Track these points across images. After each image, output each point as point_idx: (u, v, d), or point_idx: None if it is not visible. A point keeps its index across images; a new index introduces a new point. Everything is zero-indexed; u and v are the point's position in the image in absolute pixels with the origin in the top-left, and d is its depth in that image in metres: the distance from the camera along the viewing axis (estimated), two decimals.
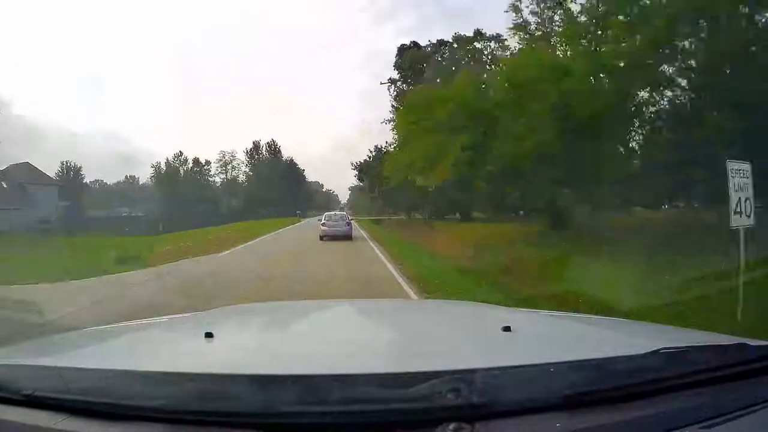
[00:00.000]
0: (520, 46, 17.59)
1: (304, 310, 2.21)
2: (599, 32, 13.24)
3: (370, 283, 8.61)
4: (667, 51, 11.95)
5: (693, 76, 12.56)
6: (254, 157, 69.72)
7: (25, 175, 38.43)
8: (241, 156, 69.93)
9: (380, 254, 14.05)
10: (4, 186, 35.28)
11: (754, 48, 11.12)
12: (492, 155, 12.35)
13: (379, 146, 37.06)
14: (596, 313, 3.13)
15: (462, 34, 29.43)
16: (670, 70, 12.67)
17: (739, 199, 4.63)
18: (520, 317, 1.83)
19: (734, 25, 11.26)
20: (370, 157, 38.88)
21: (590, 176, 12.11)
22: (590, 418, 0.87)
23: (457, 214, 30.23)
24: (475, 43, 27.79)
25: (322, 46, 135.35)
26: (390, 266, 11.02)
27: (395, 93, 32.57)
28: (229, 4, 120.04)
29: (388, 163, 18.34)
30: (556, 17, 16.85)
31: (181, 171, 65.79)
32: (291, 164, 69.59)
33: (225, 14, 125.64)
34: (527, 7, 17.45)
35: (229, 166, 69.10)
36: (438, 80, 22.44)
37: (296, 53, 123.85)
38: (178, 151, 66.97)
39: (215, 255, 14.32)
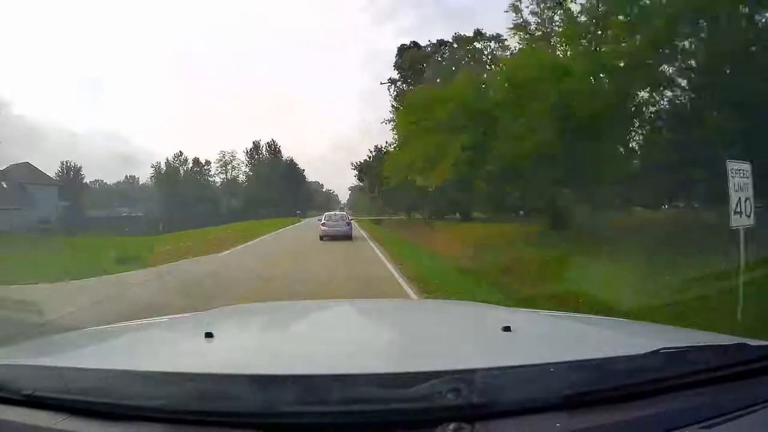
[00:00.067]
0: (520, 46, 17.62)
1: (304, 310, 2.21)
2: (599, 32, 13.23)
3: (370, 283, 8.61)
4: (667, 51, 11.94)
5: (693, 76, 12.56)
6: (254, 157, 69.80)
7: (25, 175, 38.44)
8: (241, 156, 70.14)
9: (380, 254, 14.05)
10: (4, 186, 35.28)
11: (754, 48, 11.12)
12: (492, 155, 12.35)
13: (379, 146, 37.15)
14: (596, 313, 3.12)
15: (462, 34, 29.52)
16: (670, 70, 12.69)
17: (739, 199, 4.63)
18: (520, 317, 1.83)
19: (734, 25, 11.26)
20: (370, 157, 38.93)
21: (590, 176, 12.11)
22: (590, 418, 0.87)
23: (457, 214, 30.24)
24: (475, 43, 27.82)
25: (322, 46, 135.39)
26: (390, 266, 11.02)
27: (395, 93, 32.60)
28: (229, 4, 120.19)
29: (388, 163, 18.34)
30: (556, 17, 16.88)
31: (181, 171, 65.81)
32: (291, 164, 69.63)
33: (225, 14, 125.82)
34: (527, 7, 17.48)
35: (229, 166, 69.26)
36: (438, 80, 22.44)
37: (296, 53, 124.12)
38: (178, 151, 67.15)
39: (215, 255, 14.32)
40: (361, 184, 48.00)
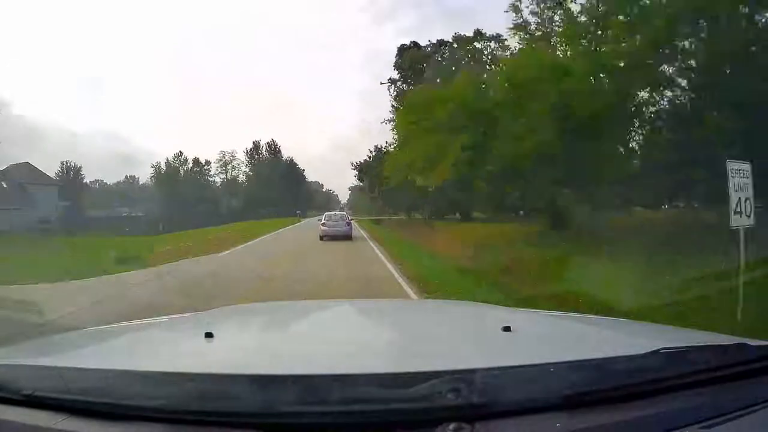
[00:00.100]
0: (520, 46, 17.62)
1: (304, 310, 2.21)
2: (599, 32, 13.23)
3: (370, 283, 8.61)
4: (667, 51, 11.94)
5: (693, 76, 12.56)
6: (254, 157, 69.80)
7: (25, 175, 38.44)
8: (241, 156, 70.12)
9: (380, 254, 14.05)
10: (4, 186, 35.28)
11: (754, 48, 11.12)
12: (492, 155, 12.35)
13: (379, 146, 37.15)
14: (596, 313, 3.12)
15: (462, 34, 29.52)
16: (670, 70, 12.69)
17: (739, 199, 4.63)
18: (520, 317, 1.83)
19: (734, 25, 11.26)
20: (370, 157, 38.92)
21: (590, 176, 12.11)
22: (590, 418, 0.87)
23: (457, 214, 30.24)
24: (475, 43, 27.82)
25: (322, 46, 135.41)
26: (390, 266, 11.02)
27: (395, 93, 32.60)
28: (229, 4, 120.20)
29: (388, 163, 18.34)
30: (556, 17, 16.88)
31: (181, 171, 65.80)
32: (291, 164, 69.62)
33: (225, 14, 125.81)
34: (527, 7, 17.49)
35: (229, 166, 69.26)
36: (438, 80, 22.44)
37: (296, 53, 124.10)
38: (178, 151, 67.16)
39: (215, 255, 14.32)
40: (361, 184, 48.01)
